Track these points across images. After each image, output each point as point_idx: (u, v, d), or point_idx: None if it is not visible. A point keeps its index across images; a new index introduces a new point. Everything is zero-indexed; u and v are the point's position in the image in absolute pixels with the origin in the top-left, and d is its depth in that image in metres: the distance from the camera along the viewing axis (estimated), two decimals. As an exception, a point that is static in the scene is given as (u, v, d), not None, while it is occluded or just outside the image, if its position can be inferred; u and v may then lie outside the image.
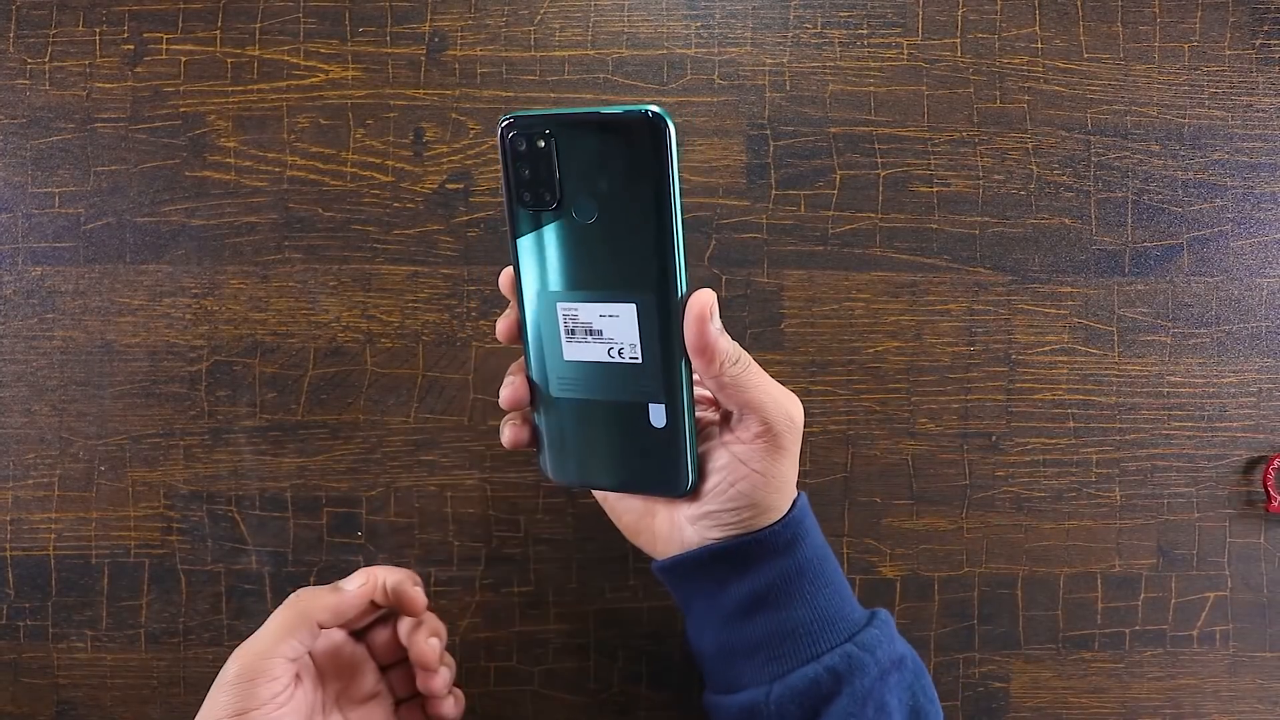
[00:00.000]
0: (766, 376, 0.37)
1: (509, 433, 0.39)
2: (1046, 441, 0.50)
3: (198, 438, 0.49)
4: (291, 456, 0.49)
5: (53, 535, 0.49)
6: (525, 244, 0.36)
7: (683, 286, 0.35)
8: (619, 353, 0.36)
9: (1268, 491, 0.50)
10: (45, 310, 0.49)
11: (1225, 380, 0.50)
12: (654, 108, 0.33)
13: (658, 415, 0.37)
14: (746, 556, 0.38)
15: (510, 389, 0.38)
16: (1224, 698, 0.50)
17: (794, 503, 0.39)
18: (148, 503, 0.49)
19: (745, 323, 0.50)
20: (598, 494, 0.43)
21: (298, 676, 0.40)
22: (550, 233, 0.35)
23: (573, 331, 0.36)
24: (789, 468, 0.38)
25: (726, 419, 0.38)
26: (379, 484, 0.49)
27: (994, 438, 0.50)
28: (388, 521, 0.49)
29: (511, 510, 0.49)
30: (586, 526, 0.49)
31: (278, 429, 0.49)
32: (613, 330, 0.36)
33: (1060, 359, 0.50)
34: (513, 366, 0.39)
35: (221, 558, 0.49)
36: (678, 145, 0.33)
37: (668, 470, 0.37)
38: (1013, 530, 0.50)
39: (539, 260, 0.36)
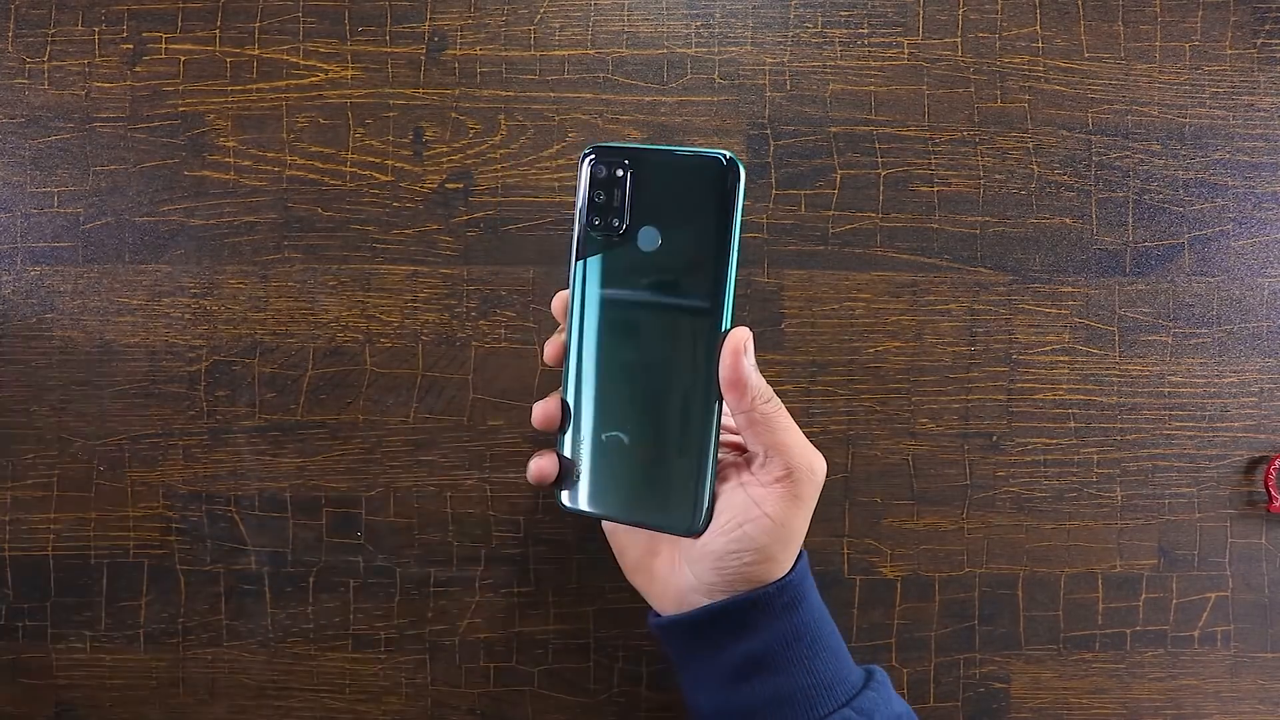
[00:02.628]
0: (796, 426, 0.38)
1: (537, 467, 0.39)
2: (1047, 441, 0.50)
3: (197, 438, 0.49)
4: (291, 456, 0.49)
5: (52, 535, 0.49)
6: (585, 267, 0.37)
7: (727, 323, 0.36)
8: None
9: (1269, 491, 0.50)
10: (44, 310, 0.49)
11: (1226, 380, 0.50)
12: (728, 154, 0.35)
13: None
14: (743, 619, 0.37)
15: (544, 407, 0.39)
16: (1225, 698, 0.50)
17: (796, 562, 0.38)
18: (147, 503, 0.49)
19: (745, 323, 0.50)
20: (606, 527, 0.43)
21: None
22: (611, 259, 0.36)
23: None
24: (801, 520, 0.38)
25: (749, 463, 0.38)
26: (378, 484, 0.49)
27: (994, 438, 0.50)
28: (387, 522, 0.49)
29: (511, 510, 0.49)
30: (586, 527, 0.49)
31: (277, 429, 0.49)
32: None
33: (1061, 359, 0.50)
34: (556, 391, 0.40)
35: (221, 558, 0.49)
36: (745, 190, 0.35)
37: (683, 506, 0.37)
38: (1013, 530, 0.50)
39: (595, 284, 0.37)
